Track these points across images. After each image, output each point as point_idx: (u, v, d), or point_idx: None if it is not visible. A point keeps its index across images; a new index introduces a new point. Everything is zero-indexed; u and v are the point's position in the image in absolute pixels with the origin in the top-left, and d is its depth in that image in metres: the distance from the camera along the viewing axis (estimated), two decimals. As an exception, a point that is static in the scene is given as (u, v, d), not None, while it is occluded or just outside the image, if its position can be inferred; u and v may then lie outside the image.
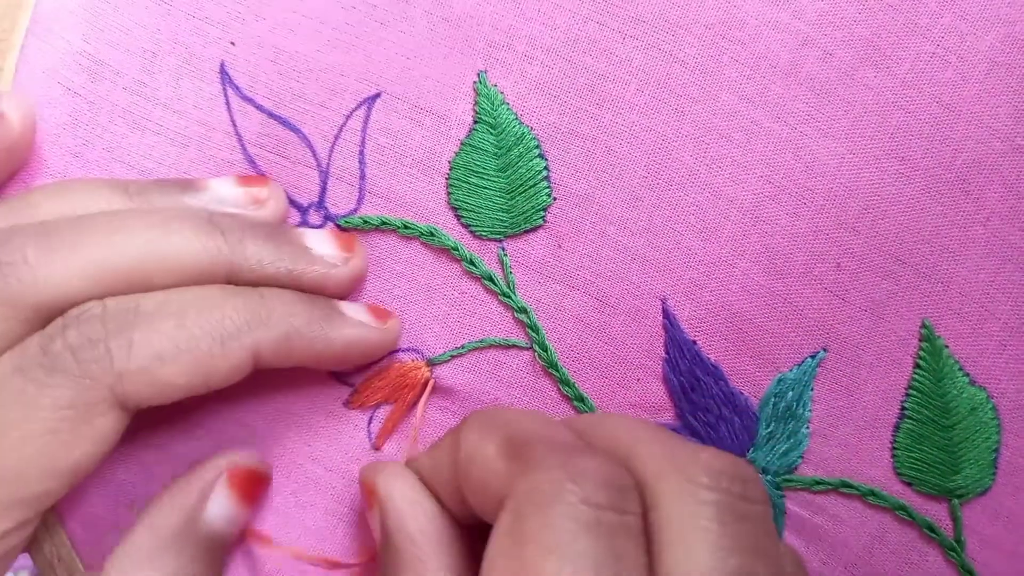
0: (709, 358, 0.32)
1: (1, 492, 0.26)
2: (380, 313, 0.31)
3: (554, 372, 0.32)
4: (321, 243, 0.30)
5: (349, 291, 0.32)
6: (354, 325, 0.30)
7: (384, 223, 0.32)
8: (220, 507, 0.30)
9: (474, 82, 0.31)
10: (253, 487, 0.31)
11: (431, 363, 0.32)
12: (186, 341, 0.27)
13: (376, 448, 0.32)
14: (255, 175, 0.31)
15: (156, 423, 0.31)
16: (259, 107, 0.32)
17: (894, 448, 0.32)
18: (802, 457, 0.32)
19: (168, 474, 0.31)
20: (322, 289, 0.30)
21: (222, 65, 0.31)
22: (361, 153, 0.32)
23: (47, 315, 0.27)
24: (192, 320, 0.27)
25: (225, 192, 0.31)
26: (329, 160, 0.32)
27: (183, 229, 0.28)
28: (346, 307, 0.30)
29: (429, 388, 0.32)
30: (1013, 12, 0.31)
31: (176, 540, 0.29)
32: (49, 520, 0.31)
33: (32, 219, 0.28)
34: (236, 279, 0.29)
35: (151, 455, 0.31)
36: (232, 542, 0.30)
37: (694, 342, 0.32)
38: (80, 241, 0.27)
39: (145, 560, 0.28)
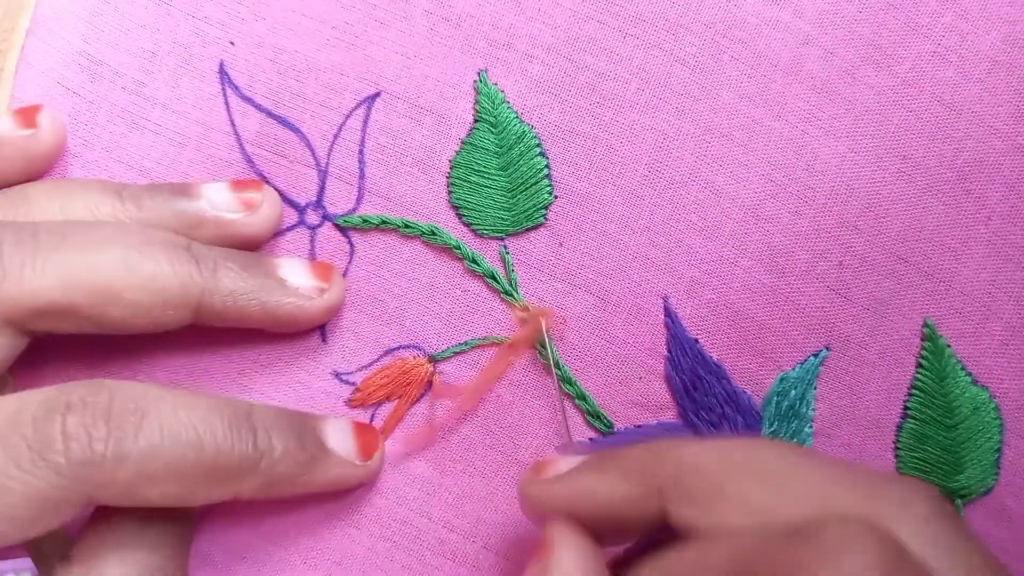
0: (711, 356, 0.32)
1: None
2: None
3: (556, 370, 0.32)
4: (297, 274, 0.30)
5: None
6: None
7: (384, 222, 0.32)
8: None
9: (474, 81, 0.31)
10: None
11: (433, 359, 0.32)
12: (177, 478, 0.26)
13: (377, 446, 0.32)
14: (249, 180, 0.31)
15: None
16: (258, 107, 0.32)
17: (897, 448, 0.32)
18: (805, 457, 0.32)
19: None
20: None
21: (221, 65, 0.31)
22: (361, 152, 0.32)
23: (13, 314, 0.27)
24: (191, 458, 0.26)
25: (218, 197, 0.30)
26: (328, 159, 0.32)
27: (159, 253, 0.28)
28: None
29: (437, 383, 0.32)
30: (1014, 11, 0.31)
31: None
32: None
33: (25, 215, 0.28)
34: (208, 308, 0.29)
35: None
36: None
37: (696, 340, 0.32)
38: (57, 247, 0.27)
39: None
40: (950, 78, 0.31)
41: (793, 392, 0.32)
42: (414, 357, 0.32)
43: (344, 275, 0.32)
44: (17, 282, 0.26)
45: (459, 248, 0.32)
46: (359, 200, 0.32)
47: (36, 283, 0.26)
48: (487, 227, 0.32)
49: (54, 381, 0.30)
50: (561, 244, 0.32)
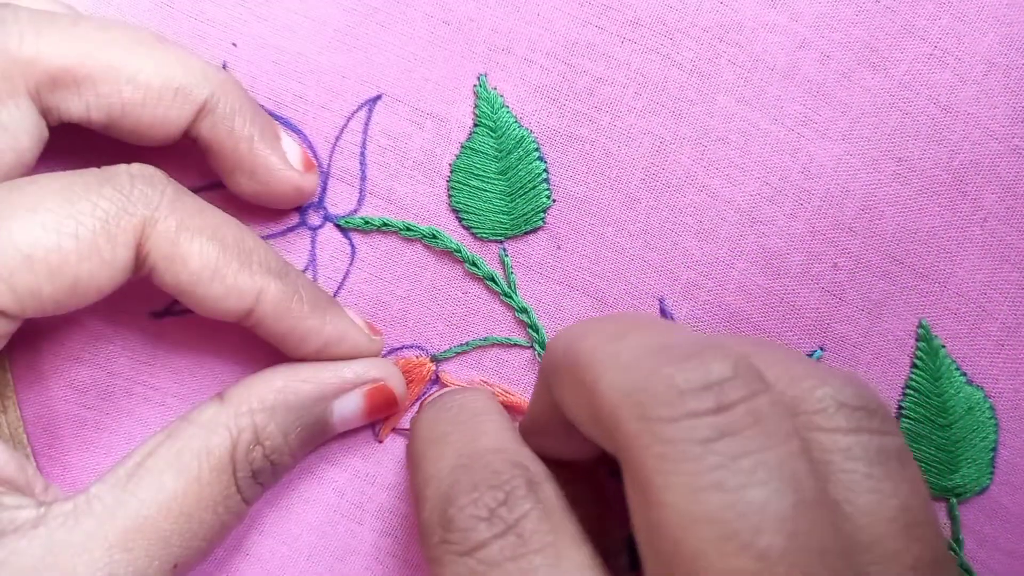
0: (707, 358, 0.32)
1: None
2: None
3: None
4: (291, 150, 0.31)
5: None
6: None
7: (386, 224, 0.32)
8: (347, 408, 0.31)
9: (474, 85, 0.32)
10: (383, 408, 0.31)
11: (435, 359, 0.33)
12: (214, 238, 0.28)
13: (379, 441, 0.33)
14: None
15: (164, 415, 0.31)
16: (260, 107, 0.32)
17: (891, 447, 0.32)
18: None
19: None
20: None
21: (223, 66, 0.32)
22: (362, 154, 0.32)
23: (30, 78, 0.27)
24: None
25: None
26: (330, 161, 0.32)
27: (179, 49, 0.29)
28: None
29: (442, 380, 0.32)
30: (1011, 13, 0.31)
31: (301, 405, 0.30)
32: None
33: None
34: (209, 117, 0.29)
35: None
36: (323, 438, 0.31)
37: (692, 342, 0.32)
38: (73, 22, 0.28)
39: (268, 401, 0.29)
40: (946, 80, 0.31)
41: (788, 393, 0.32)
42: (417, 357, 0.33)
43: (346, 276, 0.32)
44: (35, 41, 0.27)
45: (459, 251, 0.32)
46: (360, 201, 0.32)
47: (52, 45, 0.27)
48: (487, 230, 0.32)
49: (54, 380, 0.31)
50: (559, 247, 0.32)
